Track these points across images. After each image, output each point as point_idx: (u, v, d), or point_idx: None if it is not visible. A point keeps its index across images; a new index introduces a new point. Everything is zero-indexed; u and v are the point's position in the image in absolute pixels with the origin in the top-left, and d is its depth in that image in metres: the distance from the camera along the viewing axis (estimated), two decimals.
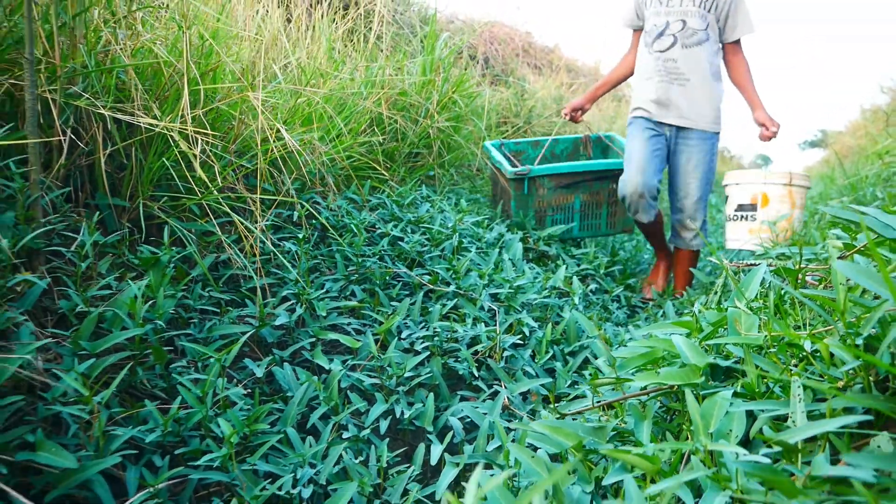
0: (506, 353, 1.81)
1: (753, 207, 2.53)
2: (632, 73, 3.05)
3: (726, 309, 1.09)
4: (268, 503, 1.17)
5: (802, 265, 1.28)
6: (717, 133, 2.83)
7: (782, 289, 1.10)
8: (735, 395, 0.90)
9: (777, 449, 0.66)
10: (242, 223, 1.87)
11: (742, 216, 2.54)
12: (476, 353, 1.80)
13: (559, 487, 0.79)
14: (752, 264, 1.49)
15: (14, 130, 1.59)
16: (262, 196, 1.98)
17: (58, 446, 1.01)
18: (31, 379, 1.12)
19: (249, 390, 1.46)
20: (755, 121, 2.76)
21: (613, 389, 1.22)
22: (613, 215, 3.26)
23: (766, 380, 0.89)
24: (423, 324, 1.90)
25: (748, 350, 0.89)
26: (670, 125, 2.82)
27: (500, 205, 3.29)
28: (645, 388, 1.03)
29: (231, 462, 1.16)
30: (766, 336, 0.92)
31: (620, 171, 3.10)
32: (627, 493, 0.70)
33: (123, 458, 1.15)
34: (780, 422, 0.81)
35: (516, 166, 3.55)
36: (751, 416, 0.87)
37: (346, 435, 1.37)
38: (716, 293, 1.46)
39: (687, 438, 0.93)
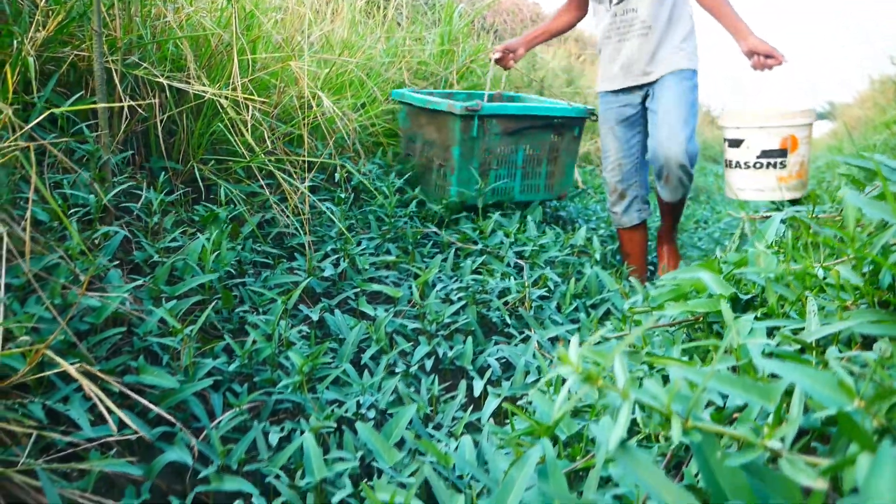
0: (534, 304, 1.94)
1: (783, 153, 2.21)
2: (571, 26, 2.76)
3: (747, 251, 1.22)
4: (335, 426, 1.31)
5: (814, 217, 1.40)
6: (694, 70, 2.42)
7: (798, 229, 1.23)
8: (756, 319, 1.03)
9: (798, 346, 0.80)
10: (287, 181, 2.00)
11: (769, 163, 2.23)
12: (506, 303, 1.94)
13: (603, 391, 0.93)
14: (765, 216, 1.61)
15: (80, 98, 1.71)
16: (303, 159, 2.10)
17: (160, 370, 1.15)
18: (129, 314, 1.26)
19: (305, 333, 1.60)
20: (747, 53, 2.22)
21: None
22: (551, 176, 2.84)
23: (783, 306, 1.02)
24: (456, 278, 2.04)
25: (769, 280, 1.02)
26: (640, 86, 2.47)
27: (424, 171, 2.71)
28: (674, 318, 1.17)
29: (301, 389, 1.31)
30: (784, 269, 1.05)
31: (571, 119, 2.78)
32: (672, 374, 0.84)
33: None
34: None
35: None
36: (770, 336, 1.00)
37: (396, 371, 1.52)
38: (734, 242, 1.59)
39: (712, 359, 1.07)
